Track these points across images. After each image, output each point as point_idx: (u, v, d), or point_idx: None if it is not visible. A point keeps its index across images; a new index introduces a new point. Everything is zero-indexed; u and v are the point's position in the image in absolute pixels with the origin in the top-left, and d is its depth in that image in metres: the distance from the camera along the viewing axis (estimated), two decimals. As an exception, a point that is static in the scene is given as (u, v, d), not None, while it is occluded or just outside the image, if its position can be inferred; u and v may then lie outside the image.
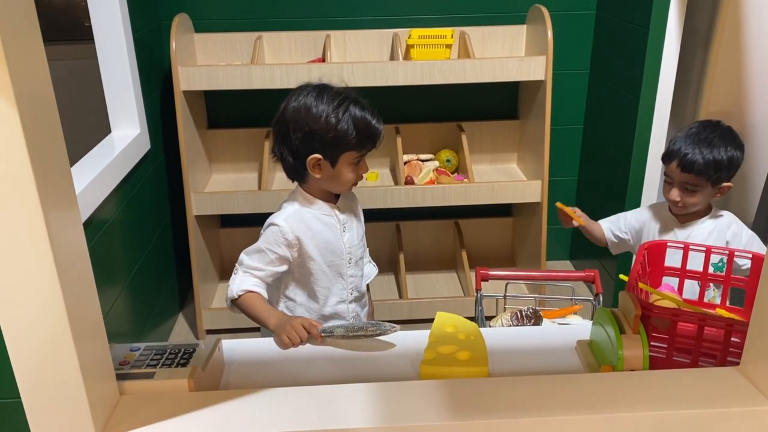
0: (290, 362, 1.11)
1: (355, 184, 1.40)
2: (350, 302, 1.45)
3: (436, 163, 2.42)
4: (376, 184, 2.42)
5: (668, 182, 1.54)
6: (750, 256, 1.17)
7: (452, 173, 2.45)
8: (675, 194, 1.51)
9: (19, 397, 0.76)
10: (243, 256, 1.39)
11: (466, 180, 2.34)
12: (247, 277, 1.35)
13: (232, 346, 1.13)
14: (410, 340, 1.13)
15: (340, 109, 1.30)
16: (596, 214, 2.53)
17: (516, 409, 0.82)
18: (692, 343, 0.99)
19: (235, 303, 1.33)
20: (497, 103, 2.55)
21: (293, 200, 1.39)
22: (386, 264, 2.67)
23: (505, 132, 2.54)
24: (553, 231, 2.64)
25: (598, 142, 2.47)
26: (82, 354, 0.76)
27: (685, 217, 1.57)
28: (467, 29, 2.35)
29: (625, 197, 2.20)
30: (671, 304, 1.07)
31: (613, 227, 1.72)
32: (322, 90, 1.33)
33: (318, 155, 1.29)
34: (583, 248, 2.70)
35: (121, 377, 0.87)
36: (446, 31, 2.23)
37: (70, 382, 0.76)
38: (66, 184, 0.75)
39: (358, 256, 1.45)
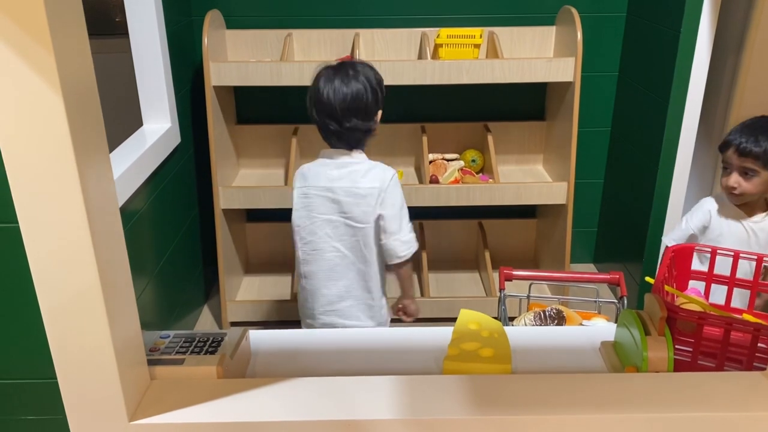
0: (315, 353, 1.12)
1: None
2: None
3: (462, 163, 2.43)
4: (401, 182, 2.43)
5: (726, 170, 1.59)
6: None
7: (477, 173, 2.45)
8: (733, 180, 1.56)
9: (56, 378, 0.79)
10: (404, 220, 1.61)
11: (491, 180, 2.34)
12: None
13: (258, 337, 1.14)
14: (433, 336, 1.14)
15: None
16: (621, 219, 2.53)
17: (539, 405, 0.83)
18: (718, 347, 0.98)
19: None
20: (524, 103, 2.55)
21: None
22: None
23: (531, 133, 2.54)
24: (578, 233, 2.63)
25: (626, 146, 2.45)
26: (116, 338, 0.78)
27: (746, 208, 1.59)
28: (496, 29, 2.35)
29: (651, 202, 2.19)
30: (697, 307, 1.06)
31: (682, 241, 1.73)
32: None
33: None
34: (607, 251, 2.68)
35: (152, 362, 0.90)
36: (475, 31, 2.23)
37: (104, 365, 0.79)
38: (107, 176, 0.77)
39: None
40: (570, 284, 2.05)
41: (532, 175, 2.51)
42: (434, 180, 2.32)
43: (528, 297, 1.50)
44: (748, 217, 1.61)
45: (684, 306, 1.09)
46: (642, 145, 2.29)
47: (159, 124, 2.05)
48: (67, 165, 0.69)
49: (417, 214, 2.64)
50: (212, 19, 2.20)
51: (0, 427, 0.83)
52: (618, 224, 2.55)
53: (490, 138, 2.39)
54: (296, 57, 2.40)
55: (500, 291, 1.51)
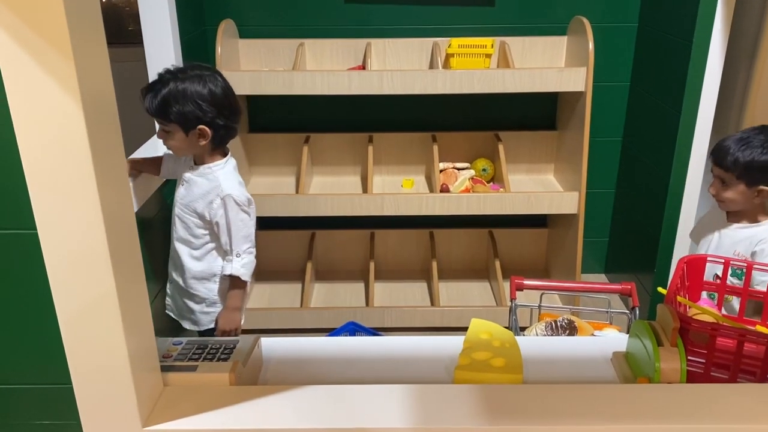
0: (327, 362, 1.12)
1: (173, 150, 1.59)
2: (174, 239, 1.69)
3: (472, 172, 2.43)
4: (412, 191, 2.44)
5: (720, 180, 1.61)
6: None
7: (488, 182, 2.45)
8: (711, 187, 1.58)
9: (71, 383, 0.80)
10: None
11: (501, 189, 2.34)
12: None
13: (270, 344, 1.15)
14: (444, 346, 1.14)
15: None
16: (633, 229, 2.52)
17: (550, 416, 0.82)
18: (731, 358, 0.98)
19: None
20: (535, 113, 2.55)
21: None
22: (419, 271, 2.68)
23: (542, 142, 2.54)
24: (589, 243, 2.62)
25: (637, 155, 2.45)
26: (130, 345, 0.79)
27: (733, 217, 1.59)
28: (508, 39, 2.36)
29: (663, 212, 2.18)
30: (710, 318, 1.06)
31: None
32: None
33: None
34: (618, 261, 2.67)
35: (165, 369, 0.90)
36: (486, 40, 2.24)
37: (118, 371, 0.79)
38: (123, 186, 0.78)
39: (176, 212, 1.66)
40: (581, 294, 2.05)
41: (543, 185, 2.51)
42: (445, 189, 2.33)
43: (539, 307, 1.50)
44: (729, 223, 1.61)
45: (697, 317, 1.08)
46: (654, 155, 2.28)
47: (172, 132, 2.06)
48: (86, 174, 0.70)
49: (427, 223, 2.65)
50: (226, 29, 2.23)
51: (16, 430, 0.84)
52: (629, 234, 2.54)
53: (501, 147, 2.39)
54: (308, 66, 2.42)
55: (511, 301, 1.51)
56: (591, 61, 2.13)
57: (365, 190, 2.39)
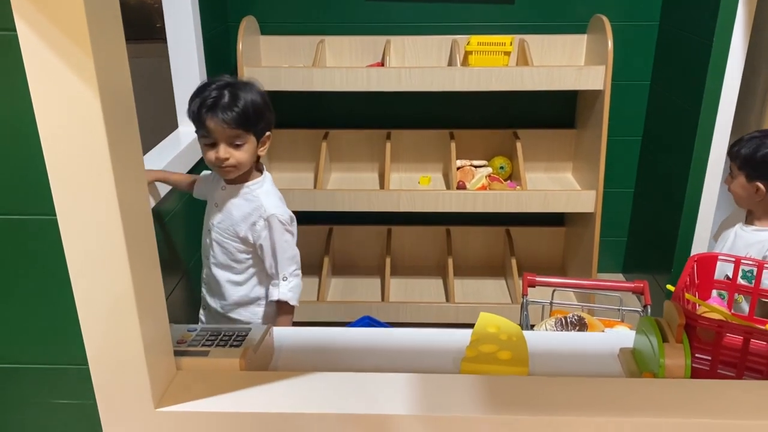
0: (337, 352, 1.15)
1: (222, 167, 1.48)
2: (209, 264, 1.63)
3: (489, 170, 2.44)
4: (428, 187, 2.45)
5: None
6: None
7: (506, 180, 2.46)
8: (726, 178, 1.62)
9: (87, 365, 0.83)
10: None
11: (518, 187, 2.34)
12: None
13: (281, 334, 1.18)
14: (453, 339, 1.16)
15: (195, 95, 1.48)
16: (651, 229, 2.50)
17: (554, 407, 0.84)
18: (737, 356, 0.98)
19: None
20: (554, 111, 2.55)
21: None
22: (435, 268, 2.69)
23: (561, 141, 2.53)
24: (607, 243, 2.61)
25: (656, 155, 2.43)
26: (145, 330, 0.82)
27: (750, 218, 1.60)
28: (527, 37, 2.36)
29: (681, 213, 2.17)
30: (718, 316, 1.06)
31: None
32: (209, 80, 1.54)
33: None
34: (636, 261, 2.66)
35: (178, 354, 0.93)
36: (505, 38, 2.25)
37: (133, 354, 0.82)
38: (139, 176, 0.81)
39: (214, 237, 1.58)
40: (593, 292, 2.04)
41: (561, 183, 2.51)
42: (461, 186, 2.34)
43: (551, 303, 1.51)
44: (745, 225, 1.61)
45: (705, 315, 1.08)
46: (672, 155, 2.27)
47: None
48: (103, 164, 0.72)
49: (444, 219, 2.66)
50: (247, 25, 2.26)
51: (36, 408, 0.87)
52: (647, 234, 2.52)
53: (518, 145, 2.39)
54: (328, 63, 2.45)
55: (523, 297, 1.52)
56: (610, 59, 2.13)
57: (382, 186, 2.41)
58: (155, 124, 2.07)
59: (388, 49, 2.33)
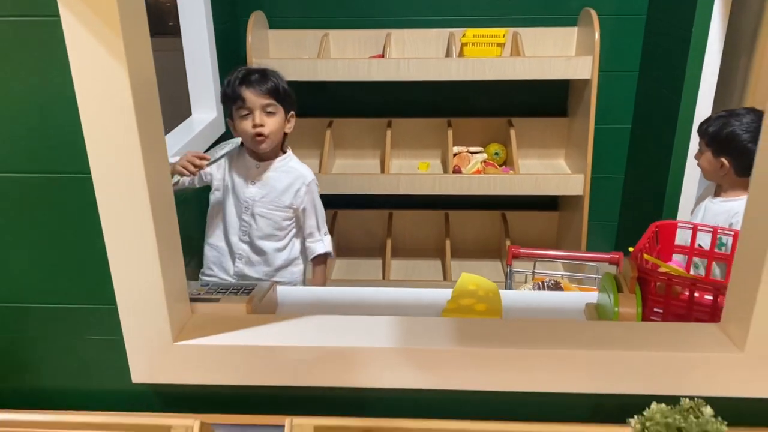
0: (334, 306, 1.28)
1: (256, 137, 1.68)
2: (241, 241, 1.79)
3: (485, 156, 2.57)
4: (427, 172, 2.59)
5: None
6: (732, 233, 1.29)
7: (500, 166, 2.58)
8: (696, 154, 1.76)
9: (116, 305, 0.97)
10: None
11: (512, 172, 2.47)
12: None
13: (285, 292, 1.31)
14: (437, 296, 1.29)
15: (229, 77, 1.69)
16: (639, 213, 2.62)
17: (520, 342, 0.96)
18: (685, 306, 1.11)
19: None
20: (547, 100, 2.67)
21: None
22: (433, 250, 2.83)
23: (553, 129, 2.66)
24: (598, 227, 2.73)
25: (643, 142, 2.55)
26: (165, 276, 0.95)
27: (718, 191, 1.71)
28: (520, 30, 2.48)
29: (663, 199, 2.28)
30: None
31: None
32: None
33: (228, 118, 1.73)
34: (626, 244, 2.76)
35: (193, 300, 1.07)
36: (499, 31, 2.37)
37: (155, 297, 0.96)
38: (160, 140, 0.95)
39: (257, 212, 1.75)
40: (572, 262, 2.16)
41: (554, 169, 2.63)
42: (457, 170, 2.47)
43: (533, 273, 1.64)
44: (714, 197, 1.73)
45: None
46: (657, 142, 2.38)
47: (206, 114, 2.26)
48: (131, 128, 0.86)
49: (442, 204, 2.80)
50: (256, 20, 2.40)
51: (72, 343, 1.02)
52: (636, 218, 2.64)
53: (512, 132, 2.52)
54: (332, 55, 2.58)
55: (508, 266, 1.65)
56: (597, 50, 2.25)
57: (383, 171, 2.54)
58: (166, 112, 2.21)
59: (389, 41, 2.47)
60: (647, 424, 0.84)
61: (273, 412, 1.00)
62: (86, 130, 0.87)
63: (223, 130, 2.34)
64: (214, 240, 1.81)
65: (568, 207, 2.69)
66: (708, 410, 0.83)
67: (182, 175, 1.64)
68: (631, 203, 2.71)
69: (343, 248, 2.85)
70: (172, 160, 1.65)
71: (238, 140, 1.71)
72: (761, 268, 0.89)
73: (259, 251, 1.78)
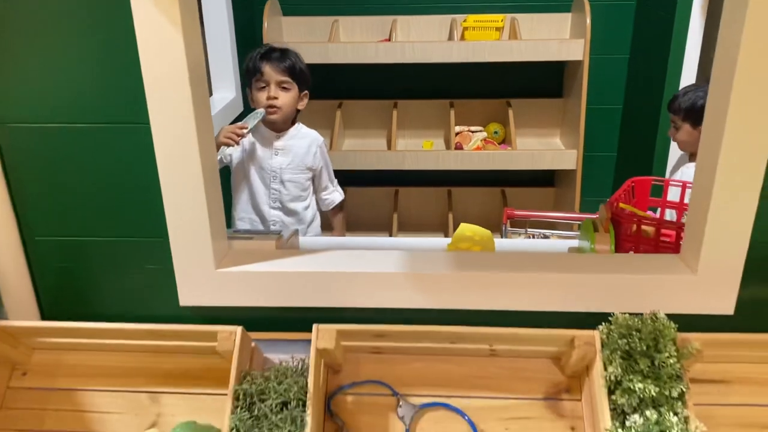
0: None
1: (271, 109, 1.90)
2: (274, 209, 1.99)
3: (485, 134, 2.74)
4: (431, 150, 2.77)
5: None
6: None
7: (499, 144, 2.76)
8: (669, 132, 1.88)
9: (168, 239, 1.14)
10: None
11: (509, 148, 2.65)
12: None
13: (305, 240, 1.50)
14: (438, 243, 1.47)
15: (252, 53, 1.92)
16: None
17: (510, 267, 1.14)
18: (653, 244, 1.29)
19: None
20: (544, 82, 2.85)
21: None
22: (437, 225, 3.01)
23: (549, 109, 2.83)
24: (590, 203, 2.90)
25: (634, 122, 2.72)
26: (210, 214, 1.13)
27: (693, 157, 1.89)
28: (518, 16, 2.66)
29: (651, 175, 2.45)
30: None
31: None
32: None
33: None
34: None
35: (230, 238, 1.26)
36: (498, 16, 2.55)
37: (201, 231, 1.13)
38: (205, 96, 1.13)
39: (286, 178, 1.96)
40: (561, 221, 2.33)
41: (549, 147, 2.81)
42: (459, 147, 2.65)
43: (526, 231, 1.81)
44: (689, 163, 1.90)
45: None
46: (645, 122, 2.55)
47: (225, 93, 2.44)
48: (184, 86, 1.04)
49: (445, 181, 2.97)
50: (271, 7, 2.58)
51: (132, 271, 1.20)
52: (627, 193, 2.81)
53: (511, 113, 2.70)
54: (342, 40, 2.76)
55: (503, 225, 1.83)
56: (588, 33, 2.42)
57: (390, 149, 2.72)
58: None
59: (395, 27, 2.64)
60: (612, 327, 1.02)
61: (301, 329, 1.18)
62: (147, 88, 1.04)
63: (241, 108, 2.52)
64: (245, 213, 2.02)
65: (563, 183, 2.86)
66: (662, 314, 1.01)
67: (228, 145, 1.87)
68: (623, 180, 2.86)
69: (352, 224, 3.03)
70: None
71: (261, 111, 1.89)
72: (708, 207, 1.06)
73: (290, 213, 2.01)
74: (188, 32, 1.03)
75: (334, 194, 2.11)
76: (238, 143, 1.87)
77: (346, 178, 2.76)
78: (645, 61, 2.58)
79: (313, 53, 2.51)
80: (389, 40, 2.67)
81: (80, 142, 1.12)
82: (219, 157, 1.88)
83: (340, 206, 2.12)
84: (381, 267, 1.16)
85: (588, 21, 2.41)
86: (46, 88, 1.08)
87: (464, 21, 2.57)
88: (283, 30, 2.77)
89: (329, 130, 2.85)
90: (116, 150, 1.12)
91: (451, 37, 2.63)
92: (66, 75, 1.07)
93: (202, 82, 1.10)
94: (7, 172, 1.15)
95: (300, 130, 2.02)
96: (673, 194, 1.49)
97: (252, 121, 1.87)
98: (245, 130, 1.85)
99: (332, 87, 2.90)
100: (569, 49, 2.43)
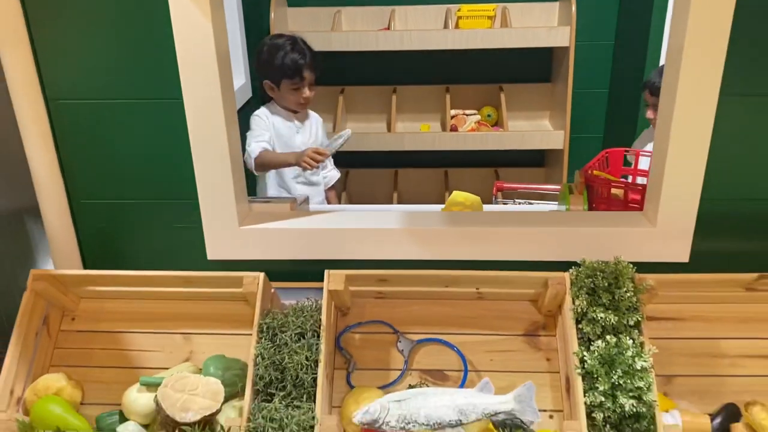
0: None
1: (302, 104, 2.17)
2: (299, 183, 2.22)
3: (478, 117, 2.91)
4: (428, 132, 2.94)
5: (647, 106, 2.04)
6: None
7: (492, 126, 2.93)
8: (649, 113, 2.02)
9: (197, 200, 1.31)
10: (248, 139, 2.12)
11: (501, 130, 2.82)
12: (257, 144, 2.09)
13: (315, 206, 1.67)
14: (434, 209, 1.64)
15: (286, 47, 2.09)
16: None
17: (497, 222, 1.32)
18: (623, 204, 1.46)
19: (257, 163, 2.06)
20: (533, 68, 3.01)
21: (266, 107, 2.21)
22: (435, 203, 3.17)
23: (539, 93, 3.00)
24: (579, 181, 3.08)
25: (618, 105, 2.89)
26: (234, 180, 1.30)
27: None
28: (508, 5, 2.82)
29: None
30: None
31: None
32: (280, 37, 2.16)
33: (269, 81, 2.14)
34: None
35: (251, 201, 1.43)
36: (490, 6, 2.71)
37: (226, 194, 1.30)
38: (229, 75, 1.30)
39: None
40: (549, 193, 2.51)
41: (539, 128, 2.98)
42: (454, 129, 2.82)
43: (514, 201, 1.99)
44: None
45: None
46: (628, 105, 2.72)
47: (236, 80, 2.59)
48: (212, 66, 1.21)
49: (442, 162, 3.14)
50: (276, -1, 2.74)
51: (165, 230, 1.37)
52: (613, 172, 2.99)
53: (502, 97, 2.86)
54: (343, 29, 2.92)
55: (493, 197, 2.01)
56: (573, 21, 2.58)
57: (390, 131, 2.89)
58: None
59: (394, 16, 2.81)
60: (580, 270, 1.20)
61: (313, 279, 1.34)
62: (181, 67, 1.21)
63: (250, 94, 2.69)
64: (273, 192, 2.21)
65: (551, 163, 3.03)
66: (623, 258, 1.19)
67: (305, 169, 2.11)
68: (609, 160, 3.05)
69: (355, 202, 3.20)
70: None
71: (348, 132, 2.11)
72: (664, 170, 1.24)
73: (312, 184, 2.25)
74: (216, 21, 1.20)
75: (333, 171, 2.33)
76: (314, 168, 2.09)
77: (348, 159, 2.94)
78: (629, 47, 2.74)
79: (316, 42, 2.65)
80: (388, 28, 2.83)
81: (121, 116, 1.29)
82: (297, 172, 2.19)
83: (334, 186, 2.35)
84: (384, 224, 1.33)
85: (574, 9, 2.58)
86: (91, 69, 1.26)
87: (458, 10, 2.73)
88: (289, 20, 2.93)
89: (332, 114, 3.02)
90: (153, 123, 1.30)
91: (446, 26, 2.80)
92: (110, 58, 1.25)
93: (227, 64, 1.27)
94: (58, 144, 1.32)
95: (307, 111, 2.27)
96: (643, 164, 1.66)
97: (336, 143, 2.07)
98: (326, 157, 2.08)
99: (335, 74, 3.06)
100: (557, 36, 2.60)
